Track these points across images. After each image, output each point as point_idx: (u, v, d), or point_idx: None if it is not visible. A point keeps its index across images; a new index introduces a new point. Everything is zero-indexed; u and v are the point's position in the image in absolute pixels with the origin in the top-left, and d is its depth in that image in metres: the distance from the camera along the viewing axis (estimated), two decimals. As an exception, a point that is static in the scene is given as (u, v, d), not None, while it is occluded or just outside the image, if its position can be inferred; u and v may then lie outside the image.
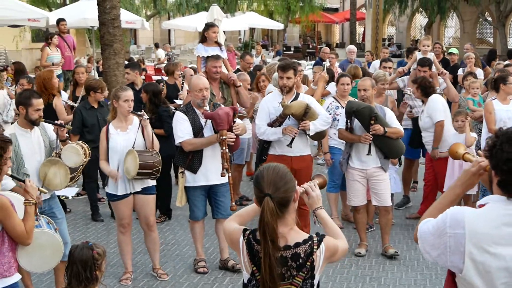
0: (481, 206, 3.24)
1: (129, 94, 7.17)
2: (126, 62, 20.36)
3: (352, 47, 16.89)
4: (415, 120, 9.89)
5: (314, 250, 3.56)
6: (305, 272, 3.55)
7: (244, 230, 3.70)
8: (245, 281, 3.71)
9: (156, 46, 30.80)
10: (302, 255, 3.54)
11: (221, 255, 7.78)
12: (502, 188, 3.17)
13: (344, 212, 9.62)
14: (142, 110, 7.54)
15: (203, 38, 9.99)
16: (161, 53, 27.99)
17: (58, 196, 8.76)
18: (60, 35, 16.41)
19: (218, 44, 9.97)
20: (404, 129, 8.64)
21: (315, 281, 3.61)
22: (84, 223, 9.73)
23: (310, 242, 3.58)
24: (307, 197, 3.83)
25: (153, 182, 7.35)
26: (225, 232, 3.89)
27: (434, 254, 3.26)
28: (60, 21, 16.88)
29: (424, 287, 7.23)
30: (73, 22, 20.96)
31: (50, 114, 9.32)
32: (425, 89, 9.09)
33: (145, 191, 7.29)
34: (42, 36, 17.36)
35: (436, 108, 9.02)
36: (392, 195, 8.65)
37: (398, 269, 7.74)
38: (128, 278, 7.37)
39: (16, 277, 4.91)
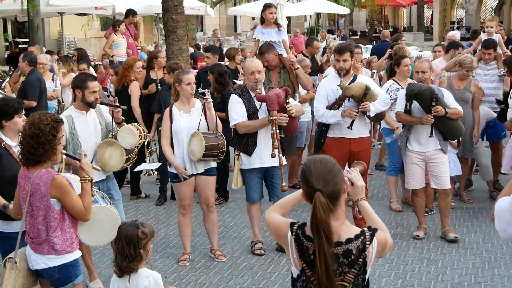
0: None
1: (191, 77, 7.25)
2: (191, 49, 20.66)
3: (457, 34, 15.47)
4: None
5: (367, 245, 3.44)
6: (357, 269, 3.44)
7: (292, 225, 3.57)
8: (294, 277, 3.58)
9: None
10: (354, 252, 3.43)
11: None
12: None
13: (404, 196, 9.54)
14: (206, 91, 7.58)
15: (262, 19, 9.90)
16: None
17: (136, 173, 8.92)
18: (126, 26, 16.62)
19: (277, 25, 9.84)
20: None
21: (367, 276, 3.50)
22: (146, 205, 9.92)
23: (362, 238, 3.46)
24: (351, 187, 3.65)
25: (214, 164, 7.44)
26: (269, 224, 3.75)
27: (510, 231, 3.23)
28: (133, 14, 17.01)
29: (483, 270, 7.12)
30: (139, 9, 21.09)
31: (124, 98, 9.60)
32: None
33: (207, 172, 7.38)
34: (110, 25, 17.59)
35: None
36: (452, 178, 8.54)
37: (456, 252, 7.64)
38: (186, 259, 7.48)
39: (78, 253, 5.09)
